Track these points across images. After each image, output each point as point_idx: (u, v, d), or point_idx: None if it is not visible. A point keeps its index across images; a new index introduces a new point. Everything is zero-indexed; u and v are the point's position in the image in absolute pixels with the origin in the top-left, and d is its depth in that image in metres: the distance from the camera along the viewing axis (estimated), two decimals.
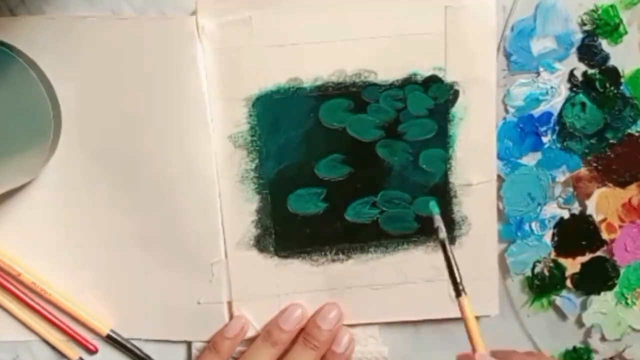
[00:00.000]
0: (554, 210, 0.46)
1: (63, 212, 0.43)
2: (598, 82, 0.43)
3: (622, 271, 0.47)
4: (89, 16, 0.40)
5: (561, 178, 0.45)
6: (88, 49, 0.40)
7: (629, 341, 0.49)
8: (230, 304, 0.45)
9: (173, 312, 0.45)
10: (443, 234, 0.38)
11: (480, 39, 0.41)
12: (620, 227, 0.46)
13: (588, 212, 0.46)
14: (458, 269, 0.37)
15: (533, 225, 0.46)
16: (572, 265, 0.47)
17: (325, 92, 0.42)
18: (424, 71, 0.42)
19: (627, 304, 0.48)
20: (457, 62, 0.42)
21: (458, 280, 0.36)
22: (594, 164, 0.45)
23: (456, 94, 0.42)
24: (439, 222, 0.40)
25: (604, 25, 0.42)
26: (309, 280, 0.45)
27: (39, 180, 0.42)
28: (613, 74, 0.43)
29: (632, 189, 0.46)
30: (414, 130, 0.43)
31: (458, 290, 0.36)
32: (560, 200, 0.46)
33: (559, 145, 0.44)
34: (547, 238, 0.46)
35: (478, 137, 0.43)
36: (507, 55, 0.43)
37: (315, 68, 0.41)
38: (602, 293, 0.48)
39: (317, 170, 0.43)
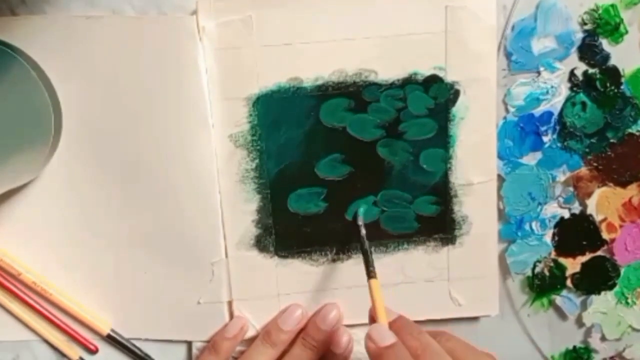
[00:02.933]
0: (554, 210, 0.46)
1: (63, 212, 0.43)
2: (598, 82, 0.43)
3: (622, 271, 0.47)
4: (89, 16, 0.40)
5: (561, 177, 0.45)
6: (89, 49, 0.40)
7: (629, 341, 0.49)
8: (230, 304, 0.45)
9: (173, 312, 0.45)
10: (363, 231, 0.43)
11: (481, 38, 0.41)
12: (621, 226, 0.46)
13: (588, 211, 0.46)
14: (371, 255, 0.42)
15: (533, 225, 0.46)
16: (573, 265, 0.47)
17: (326, 92, 0.42)
18: (425, 71, 0.42)
19: (627, 303, 0.48)
20: (457, 61, 0.42)
21: (370, 265, 0.41)
22: (595, 164, 0.45)
23: (456, 93, 0.42)
24: (361, 220, 0.44)
25: (604, 25, 0.42)
26: (309, 280, 0.45)
27: (39, 180, 0.42)
28: (613, 74, 0.43)
29: (632, 189, 0.46)
30: (414, 129, 0.43)
31: (370, 273, 0.40)
32: (561, 199, 0.46)
33: (559, 144, 0.44)
34: (548, 238, 0.46)
35: (478, 136, 0.43)
36: (508, 55, 0.43)
37: (316, 67, 0.41)
38: (603, 293, 0.48)
39: (318, 170, 0.43)
